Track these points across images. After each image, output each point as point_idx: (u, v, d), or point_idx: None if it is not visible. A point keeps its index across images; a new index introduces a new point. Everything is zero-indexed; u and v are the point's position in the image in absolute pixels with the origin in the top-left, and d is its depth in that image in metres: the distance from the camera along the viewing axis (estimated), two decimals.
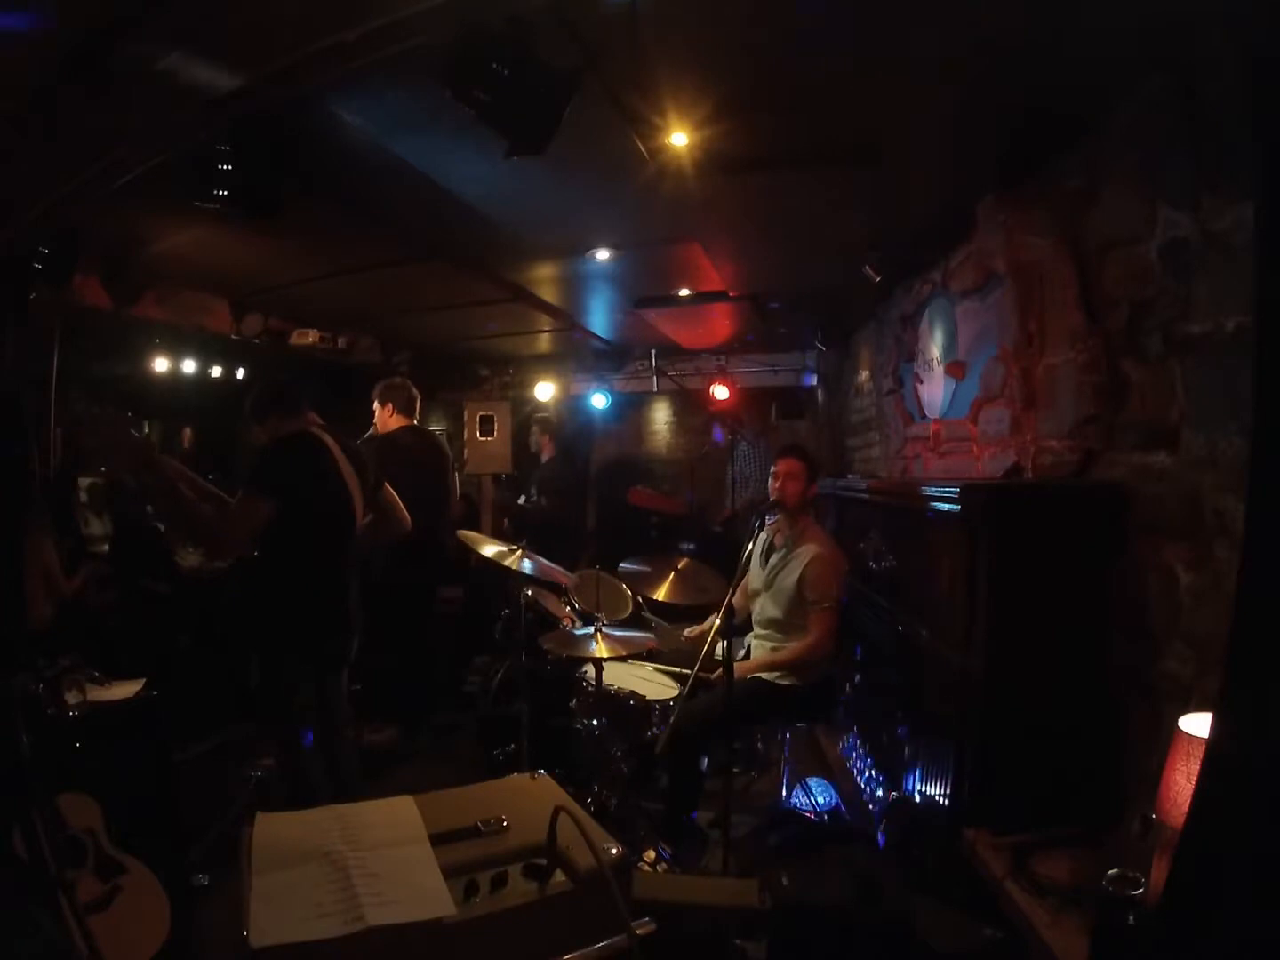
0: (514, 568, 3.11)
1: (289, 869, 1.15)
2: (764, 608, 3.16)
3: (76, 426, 2.38)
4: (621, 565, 3.81)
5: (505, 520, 5.88)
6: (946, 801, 2.23)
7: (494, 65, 1.69)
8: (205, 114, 2.06)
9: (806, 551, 3.02)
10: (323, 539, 2.53)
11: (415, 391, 4.11)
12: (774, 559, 3.15)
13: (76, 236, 3.02)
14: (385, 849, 1.21)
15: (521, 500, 5.63)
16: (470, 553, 3.69)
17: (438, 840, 1.24)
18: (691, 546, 5.51)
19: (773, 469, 3.18)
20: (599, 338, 6.21)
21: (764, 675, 3.01)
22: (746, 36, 1.88)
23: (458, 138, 2.26)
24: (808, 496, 3.15)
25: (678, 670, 3.24)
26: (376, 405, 4.02)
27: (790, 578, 3.02)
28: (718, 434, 6.51)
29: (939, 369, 3.56)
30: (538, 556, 3.25)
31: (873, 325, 4.89)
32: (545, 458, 5.67)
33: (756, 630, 3.21)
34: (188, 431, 6.62)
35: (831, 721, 3.61)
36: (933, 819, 2.27)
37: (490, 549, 3.23)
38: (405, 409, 4.04)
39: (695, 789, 2.93)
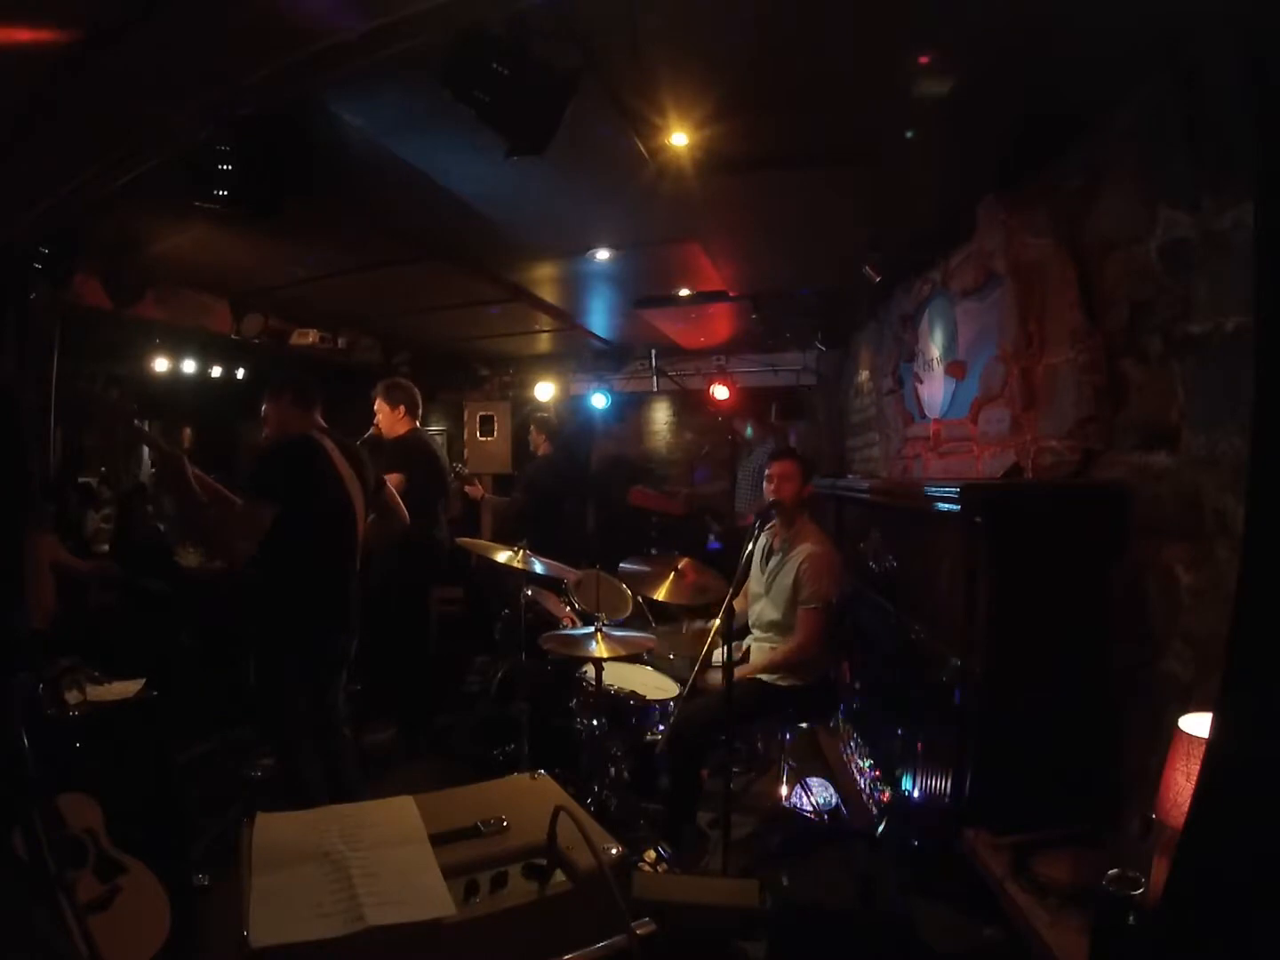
0: (521, 567, 3.12)
1: (289, 869, 1.15)
2: (763, 611, 3.17)
3: (99, 412, 2.48)
4: (621, 565, 3.81)
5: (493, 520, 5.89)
6: (946, 801, 2.23)
7: (494, 65, 1.69)
8: (205, 114, 2.06)
9: (801, 552, 3.03)
10: (323, 541, 2.53)
11: (418, 392, 4.14)
12: (772, 562, 3.16)
13: (76, 236, 3.02)
14: (385, 849, 1.21)
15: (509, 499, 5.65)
16: (469, 553, 3.71)
17: (438, 840, 1.23)
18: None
19: (767, 472, 3.18)
20: (599, 338, 6.21)
21: (763, 676, 3.01)
22: (746, 37, 1.88)
23: (457, 138, 2.26)
24: (803, 497, 3.15)
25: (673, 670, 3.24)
26: (385, 406, 4.01)
27: (787, 579, 3.03)
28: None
29: (939, 369, 3.56)
30: (541, 556, 3.26)
31: (873, 325, 4.89)
32: (541, 456, 5.68)
33: (756, 634, 3.21)
34: (188, 431, 6.63)
35: (831, 721, 3.62)
36: (933, 819, 2.27)
37: (491, 552, 3.24)
38: (413, 410, 4.08)
39: (695, 789, 2.93)
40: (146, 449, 2.54)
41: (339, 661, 2.65)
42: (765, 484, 3.18)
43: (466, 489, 5.18)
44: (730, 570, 2.91)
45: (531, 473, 5.64)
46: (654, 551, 3.93)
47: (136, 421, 2.46)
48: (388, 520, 2.93)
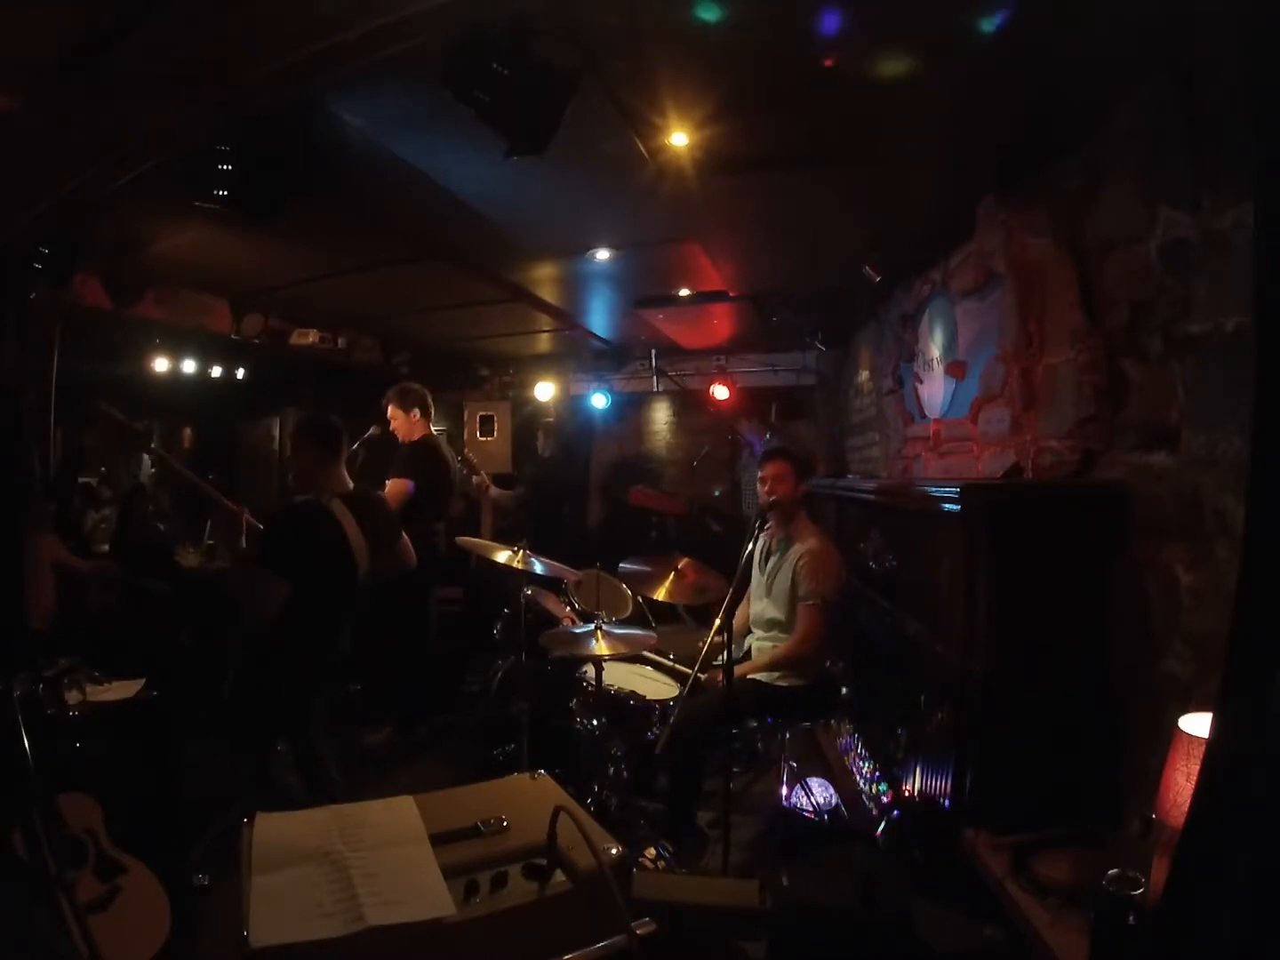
0: (520, 567, 3.12)
1: (289, 869, 1.15)
2: (764, 610, 3.17)
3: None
4: (621, 565, 3.81)
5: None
6: (946, 801, 2.23)
7: (494, 65, 1.69)
8: (205, 114, 2.06)
9: (798, 550, 3.04)
10: (321, 605, 2.54)
11: (428, 394, 4.17)
12: (771, 562, 3.16)
13: (76, 236, 3.02)
14: (385, 849, 1.21)
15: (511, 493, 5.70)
16: (469, 553, 3.72)
17: (438, 840, 1.23)
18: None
19: (760, 474, 3.18)
20: (599, 338, 6.22)
21: (762, 677, 3.01)
22: (746, 37, 1.88)
23: (457, 138, 2.26)
24: (798, 496, 3.15)
25: (674, 665, 3.24)
26: (399, 411, 4.02)
27: (786, 577, 3.04)
28: (754, 441, 6.36)
29: (939, 369, 3.56)
30: (540, 556, 3.26)
31: (873, 325, 4.89)
32: (546, 457, 5.74)
33: (757, 633, 3.21)
34: (188, 431, 6.64)
35: (831, 721, 3.62)
36: (933, 819, 2.27)
37: (491, 552, 3.24)
38: (426, 413, 4.10)
39: (695, 789, 2.93)
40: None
41: (325, 679, 2.66)
42: (759, 485, 3.18)
43: (474, 479, 5.21)
44: (730, 570, 2.91)
45: (533, 472, 5.70)
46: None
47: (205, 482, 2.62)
48: (396, 564, 2.92)
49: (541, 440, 5.79)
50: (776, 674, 3.01)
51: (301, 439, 2.70)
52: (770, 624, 3.14)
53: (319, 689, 2.67)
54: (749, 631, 3.27)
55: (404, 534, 2.94)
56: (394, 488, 3.75)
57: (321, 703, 2.68)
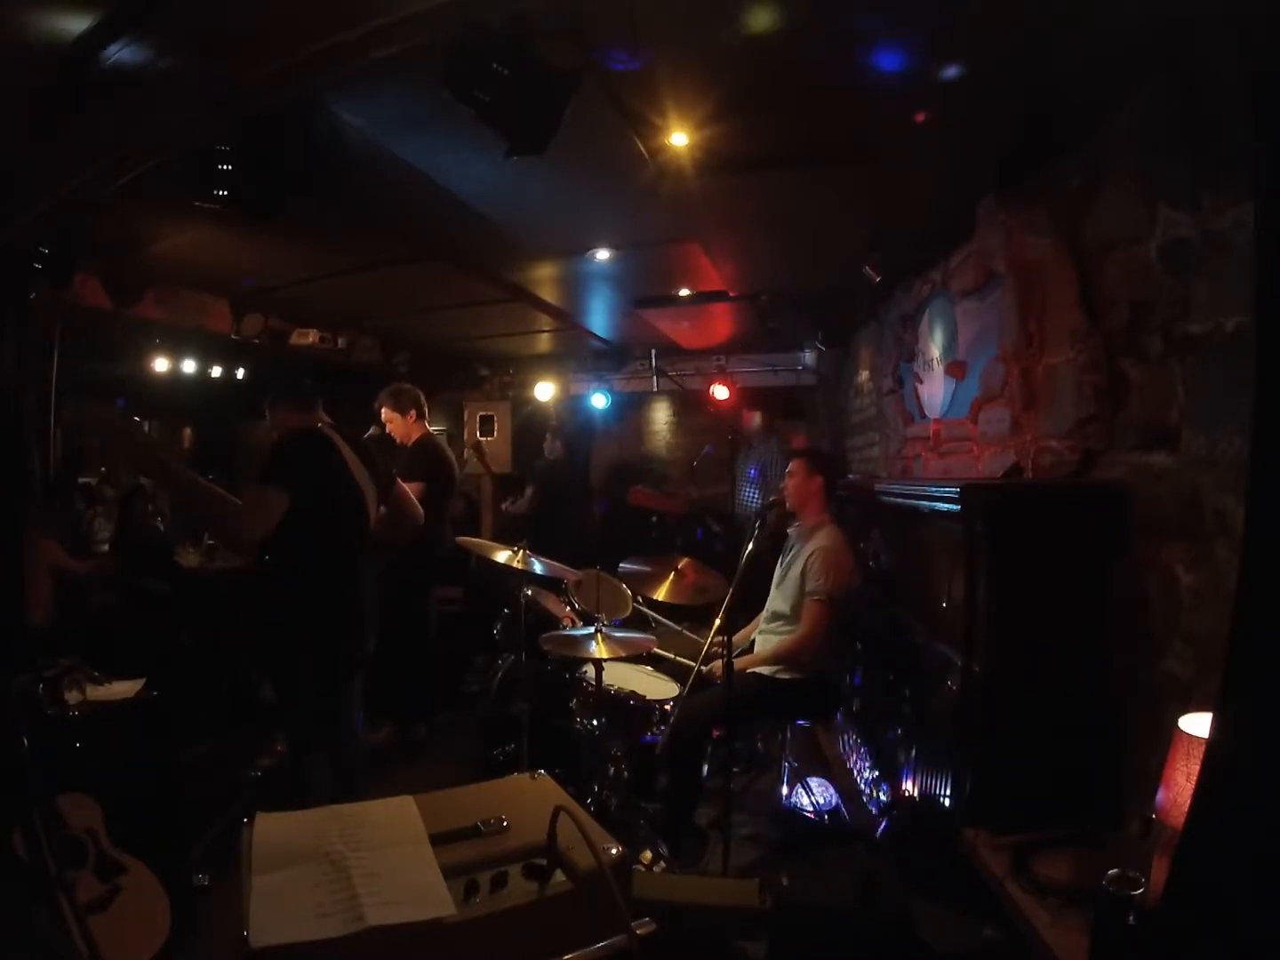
0: (520, 567, 3.12)
1: (289, 869, 1.14)
2: (773, 602, 3.20)
3: (88, 430, 2.48)
4: (621, 565, 3.81)
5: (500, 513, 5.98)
6: (946, 801, 2.23)
7: (494, 65, 1.69)
8: (205, 114, 2.06)
9: (812, 545, 3.06)
10: (334, 536, 2.48)
11: (420, 393, 4.15)
12: (788, 556, 3.19)
13: (76, 236, 3.02)
14: (385, 849, 1.21)
15: (515, 502, 5.72)
16: (469, 553, 3.71)
17: (438, 840, 1.23)
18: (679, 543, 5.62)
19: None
20: (599, 338, 6.22)
21: (762, 670, 3.02)
22: (746, 37, 1.88)
23: (458, 138, 2.26)
24: (808, 493, 3.17)
25: (676, 658, 3.24)
26: (395, 414, 4.00)
27: (796, 570, 3.06)
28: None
29: (939, 369, 3.56)
30: (540, 556, 3.26)
31: (873, 325, 4.89)
32: (552, 458, 5.79)
33: (763, 625, 3.23)
34: (188, 431, 6.63)
35: (831, 721, 3.62)
36: (933, 819, 2.27)
37: (491, 552, 3.24)
38: (422, 413, 4.09)
39: (695, 789, 2.93)
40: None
41: (354, 661, 2.61)
42: None
43: (482, 472, 5.23)
44: (730, 570, 2.91)
45: (541, 473, 5.74)
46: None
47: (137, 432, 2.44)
48: (400, 518, 2.87)
49: (549, 441, 5.82)
50: (775, 667, 3.02)
51: (276, 405, 2.65)
52: (774, 616, 3.16)
53: (349, 652, 2.57)
54: (750, 643, 3.28)
55: (400, 482, 2.89)
56: None
57: (353, 686, 2.65)
